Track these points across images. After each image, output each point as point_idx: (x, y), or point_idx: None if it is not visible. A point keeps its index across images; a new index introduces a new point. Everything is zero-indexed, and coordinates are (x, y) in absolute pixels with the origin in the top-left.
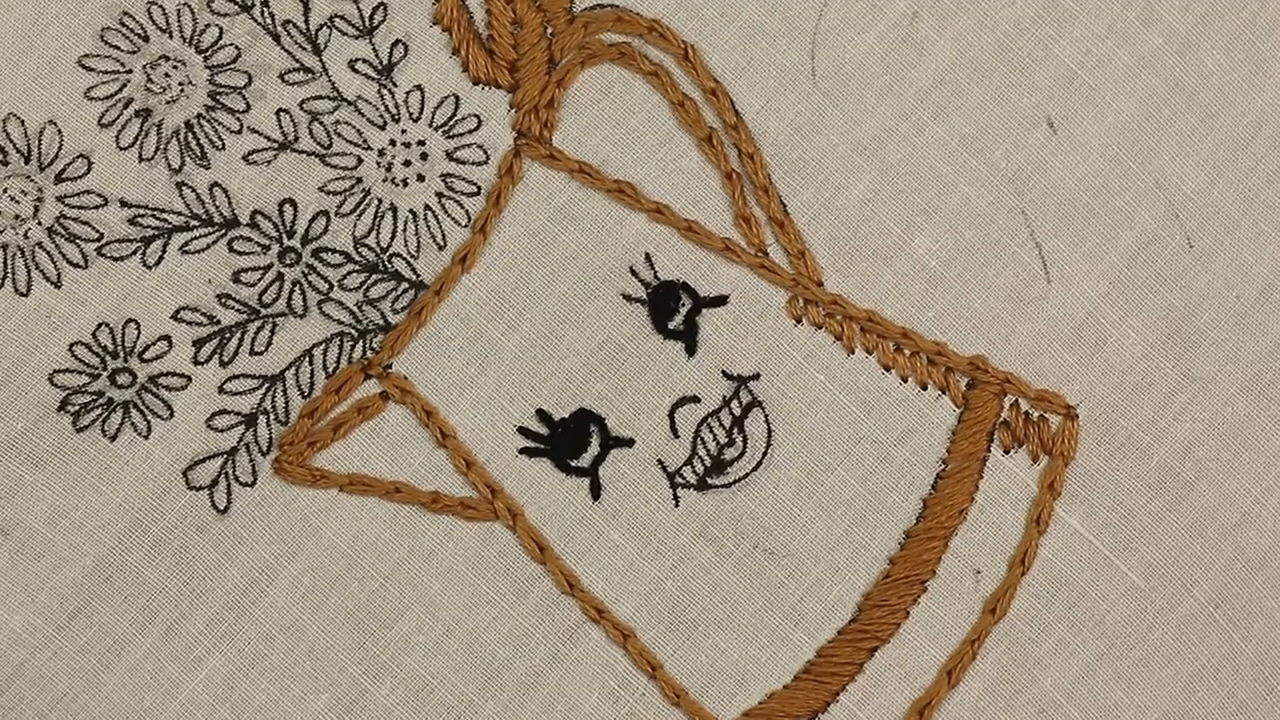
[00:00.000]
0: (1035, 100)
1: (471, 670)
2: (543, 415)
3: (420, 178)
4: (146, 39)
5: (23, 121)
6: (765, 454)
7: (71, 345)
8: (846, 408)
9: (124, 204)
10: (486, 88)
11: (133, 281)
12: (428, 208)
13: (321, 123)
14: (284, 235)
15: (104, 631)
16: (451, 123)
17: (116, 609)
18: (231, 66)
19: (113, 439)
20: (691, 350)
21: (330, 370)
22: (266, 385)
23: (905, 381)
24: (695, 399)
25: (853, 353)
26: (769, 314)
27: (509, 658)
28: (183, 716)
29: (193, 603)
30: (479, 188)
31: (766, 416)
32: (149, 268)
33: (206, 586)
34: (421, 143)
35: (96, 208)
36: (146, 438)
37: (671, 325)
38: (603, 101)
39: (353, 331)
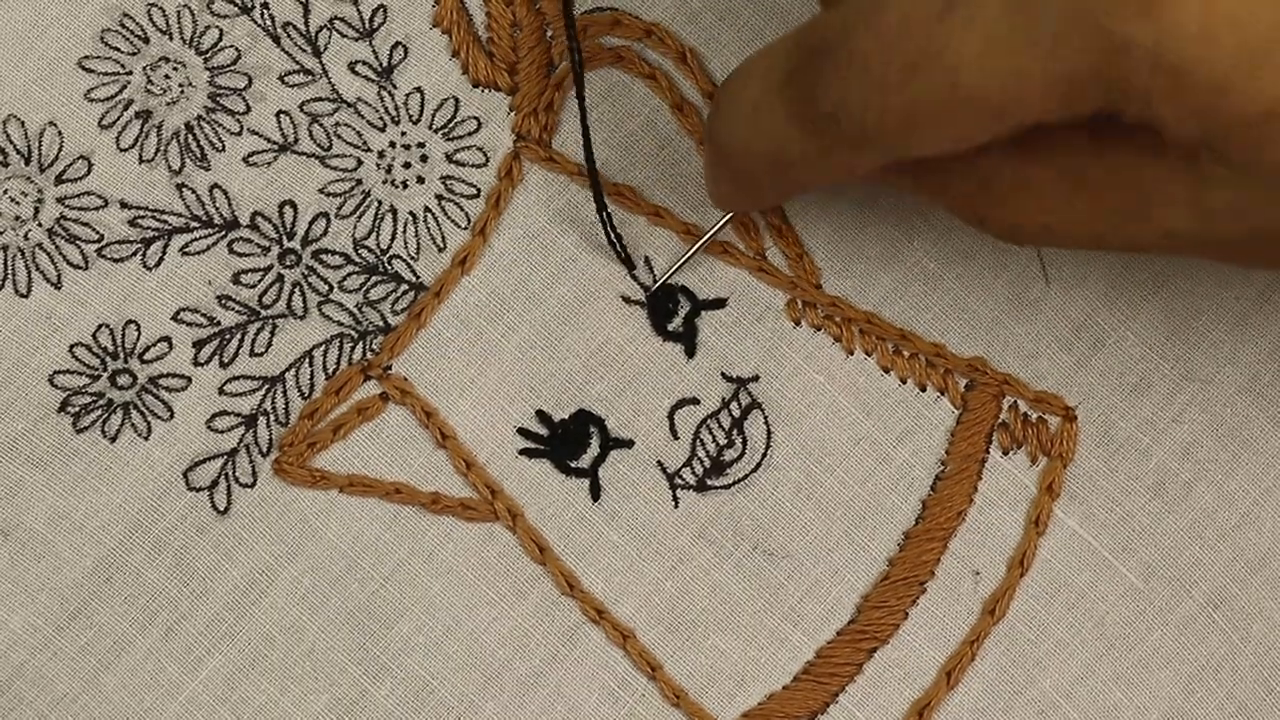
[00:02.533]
0: None
1: (471, 671)
2: (543, 416)
3: (420, 180)
4: (147, 40)
5: (23, 123)
6: (764, 455)
7: (72, 346)
8: (846, 409)
9: (124, 205)
10: (486, 90)
11: (133, 283)
12: (427, 210)
13: (321, 125)
14: (284, 237)
15: (104, 632)
16: (451, 125)
17: (117, 610)
18: (231, 68)
19: (113, 440)
20: (691, 352)
21: (330, 371)
22: (266, 386)
23: (904, 383)
24: (695, 400)
25: (852, 354)
26: (768, 316)
27: (509, 658)
28: (183, 717)
29: (193, 603)
30: (479, 190)
31: (766, 418)
32: (149, 269)
33: (207, 587)
34: (421, 145)
35: (97, 209)
36: (147, 439)
37: (671, 327)
38: (602, 105)
39: (353, 333)
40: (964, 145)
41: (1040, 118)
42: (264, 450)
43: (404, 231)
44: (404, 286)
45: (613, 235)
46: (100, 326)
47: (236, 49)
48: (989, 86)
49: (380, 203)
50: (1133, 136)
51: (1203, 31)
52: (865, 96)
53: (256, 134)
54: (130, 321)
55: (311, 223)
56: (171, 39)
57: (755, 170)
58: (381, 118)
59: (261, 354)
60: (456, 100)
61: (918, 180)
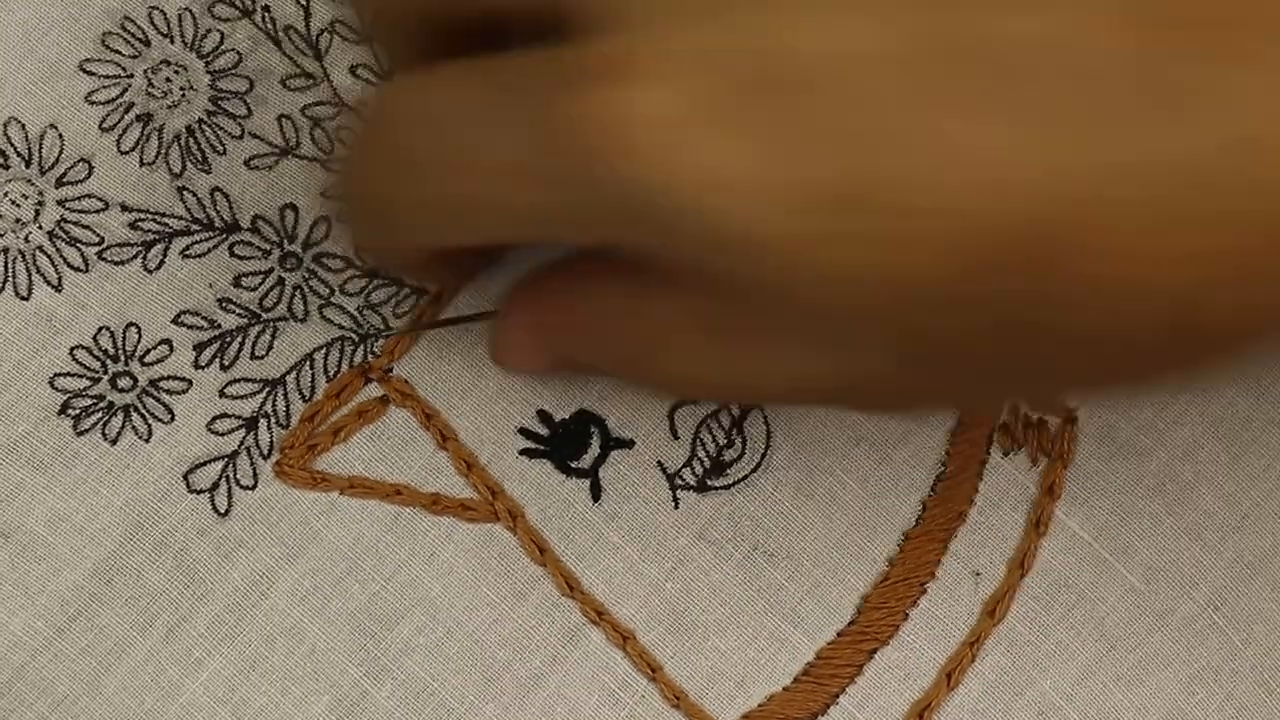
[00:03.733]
0: None
1: (472, 672)
2: (543, 416)
3: None
4: (148, 44)
5: (24, 125)
6: (764, 456)
7: (72, 349)
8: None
9: (125, 208)
10: None
11: (134, 285)
12: None
13: (323, 128)
14: (285, 240)
15: (105, 634)
16: None
17: (117, 612)
18: (233, 72)
19: (113, 442)
20: None
21: (331, 374)
22: (267, 389)
23: None
24: (695, 400)
25: None
26: None
27: (509, 659)
28: (183, 718)
29: (193, 605)
30: None
31: (765, 418)
32: (150, 272)
33: (207, 589)
34: None
35: (97, 212)
36: (147, 441)
37: None
38: None
39: (354, 336)
40: (468, 243)
41: (559, 236)
42: (265, 453)
43: None
44: (406, 290)
45: None
46: (101, 329)
47: (238, 52)
48: (483, 200)
49: None
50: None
51: (667, 177)
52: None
53: (258, 137)
54: (131, 324)
55: (313, 226)
56: (173, 42)
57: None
58: None
59: (262, 357)
60: None
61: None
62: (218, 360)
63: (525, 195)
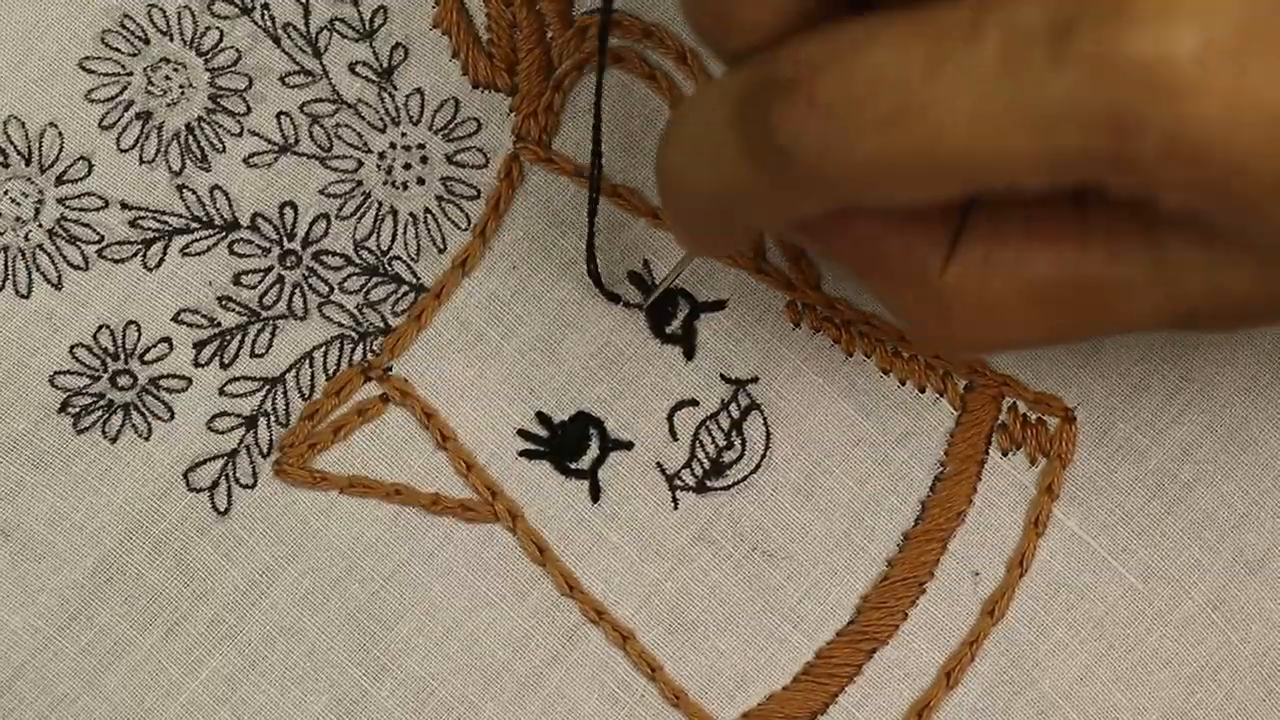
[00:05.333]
0: None
1: (471, 672)
2: (542, 418)
3: (420, 181)
4: (147, 41)
5: (24, 124)
6: (764, 456)
7: (72, 347)
8: (845, 410)
9: (125, 206)
10: (486, 91)
11: (133, 284)
12: (428, 211)
13: (322, 126)
14: (284, 238)
15: (105, 633)
16: (451, 126)
17: (117, 610)
18: (232, 69)
19: (113, 441)
20: (690, 354)
21: (330, 373)
22: (267, 387)
23: (903, 384)
24: (694, 402)
25: (851, 355)
26: (767, 317)
27: (509, 659)
28: (183, 718)
29: (193, 604)
30: (479, 191)
31: (765, 419)
32: (150, 270)
33: (207, 588)
34: (421, 146)
35: (97, 210)
36: (147, 439)
37: (669, 330)
38: (603, 106)
39: (353, 334)
40: (925, 202)
41: (1022, 185)
42: (264, 451)
43: (404, 233)
44: (404, 288)
45: (598, 278)
46: (101, 327)
47: (237, 50)
48: (975, 153)
49: (380, 204)
50: (1088, 242)
51: (1228, 114)
52: (826, 140)
53: (257, 135)
54: (131, 322)
55: (312, 224)
56: (172, 40)
57: (702, 210)
58: (382, 119)
59: (262, 355)
60: (456, 101)
61: (867, 281)
62: (217, 358)
63: (991, 143)
